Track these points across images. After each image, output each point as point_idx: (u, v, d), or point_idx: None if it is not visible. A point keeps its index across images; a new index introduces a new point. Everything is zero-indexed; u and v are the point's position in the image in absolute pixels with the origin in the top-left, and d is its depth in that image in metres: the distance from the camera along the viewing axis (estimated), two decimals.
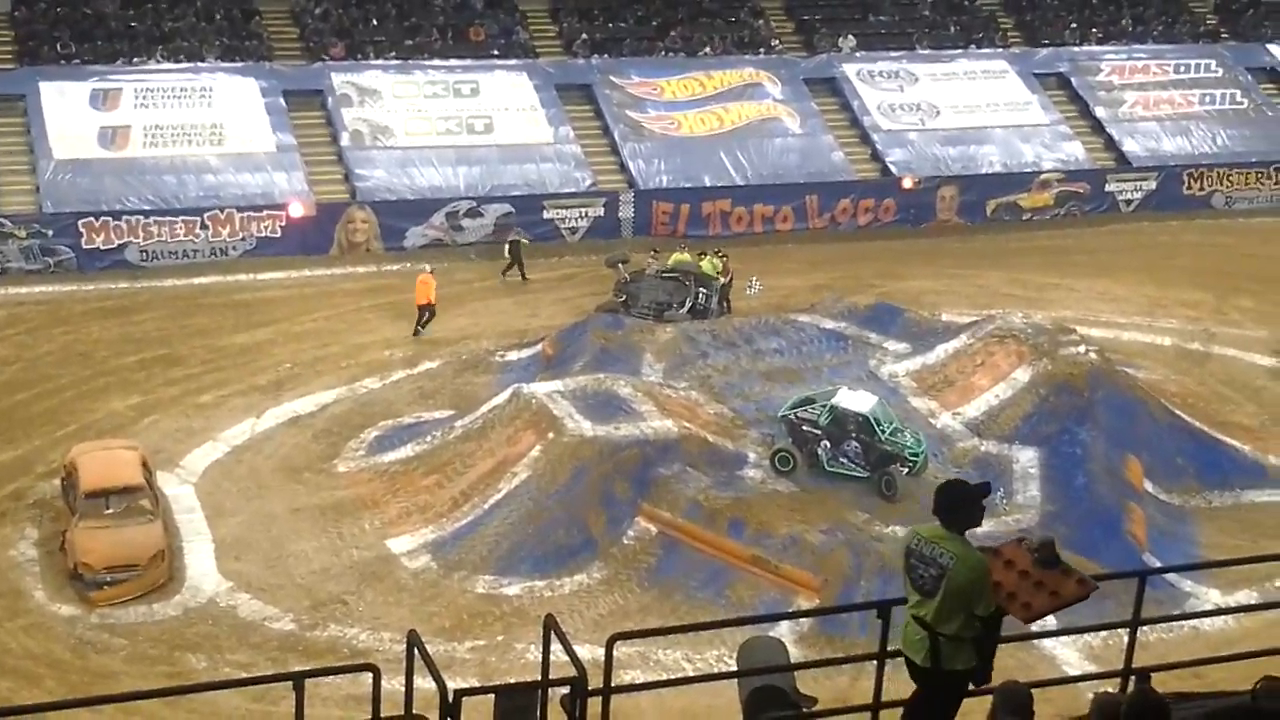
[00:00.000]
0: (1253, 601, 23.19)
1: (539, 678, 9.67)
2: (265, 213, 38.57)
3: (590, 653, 9.42)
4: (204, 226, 38.05)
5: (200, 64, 42.24)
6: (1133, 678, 10.59)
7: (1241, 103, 48.63)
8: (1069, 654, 22.06)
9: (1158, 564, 23.69)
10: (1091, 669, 19.03)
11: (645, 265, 36.18)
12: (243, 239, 38.35)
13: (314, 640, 22.96)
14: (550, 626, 9.69)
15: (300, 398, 31.02)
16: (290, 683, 9.23)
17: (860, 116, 45.53)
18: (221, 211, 38.25)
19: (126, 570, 23.93)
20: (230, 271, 37.49)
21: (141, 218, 37.69)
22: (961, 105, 46.28)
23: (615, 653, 9.42)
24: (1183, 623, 22.03)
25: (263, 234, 38.47)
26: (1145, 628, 11.13)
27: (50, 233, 37.04)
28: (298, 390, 31.34)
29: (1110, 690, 10.24)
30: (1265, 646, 11.50)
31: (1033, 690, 8.53)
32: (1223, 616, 22.57)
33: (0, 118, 39.99)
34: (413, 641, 9.83)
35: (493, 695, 9.56)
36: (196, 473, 27.91)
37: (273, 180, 39.65)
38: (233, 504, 26.92)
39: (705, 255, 36.44)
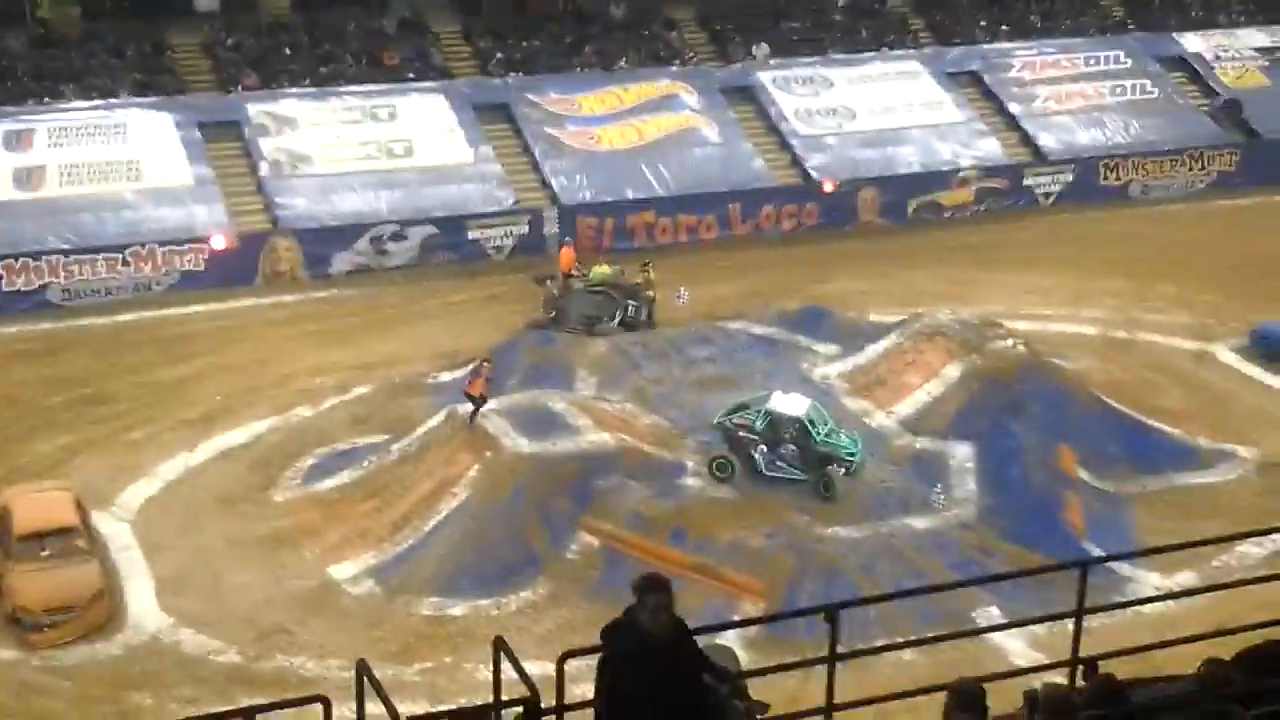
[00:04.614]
0: (1193, 583, 23.52)
1: (490, 698, 9.66)
2: (187, 246, 38.20)
3: (540, 669, 9.39)
4: (125, 263, 37.63)
5: (113, 100, 41.77)
6: (1080, 666, 10.75)
7: (1152, 92, 49.26)
8: (1015, 645, 22.25)
9: (1097, 551, 24.00)
10: (1038, 657, 19.15)
11: (570, 281, 36.21)
12: (165, 274, 37.97)
13: (260, 672, 22.81)
14: (500, 647, 9.68)
15: (232, 429, 30.77)
16: (241, 718, 9.16)
17: (778, 123, 45.73)
18: (143, 247, 37.84)
19: (66, 612, 23.68)
20: (155, 307, 37.07)
21: (62, 257, 37.22)
22: (878, 107, 46.56)
23: (566, 668, 9.42)
24: (1126, 608, 22.26)
25: (185, 268, 38.10)
26: (1087, 615, 11.26)
27: None
28: (230, 422, 31.08)
29: (1055, 682, 10.39)
30: (1206, 628, 11.68)
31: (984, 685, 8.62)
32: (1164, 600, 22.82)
33: None
34: (362, 670, 9.79)
35: None
36: (132, 510, 27.63)
37: (193, 213, 39.27)
38: (170, 539, 26.68)
39: (648, 265, 36.23)
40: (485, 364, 29.08)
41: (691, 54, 47.74)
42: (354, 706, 9.71)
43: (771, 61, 47.66)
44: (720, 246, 41.82)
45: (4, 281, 36.78)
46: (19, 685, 22.58)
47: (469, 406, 28.21)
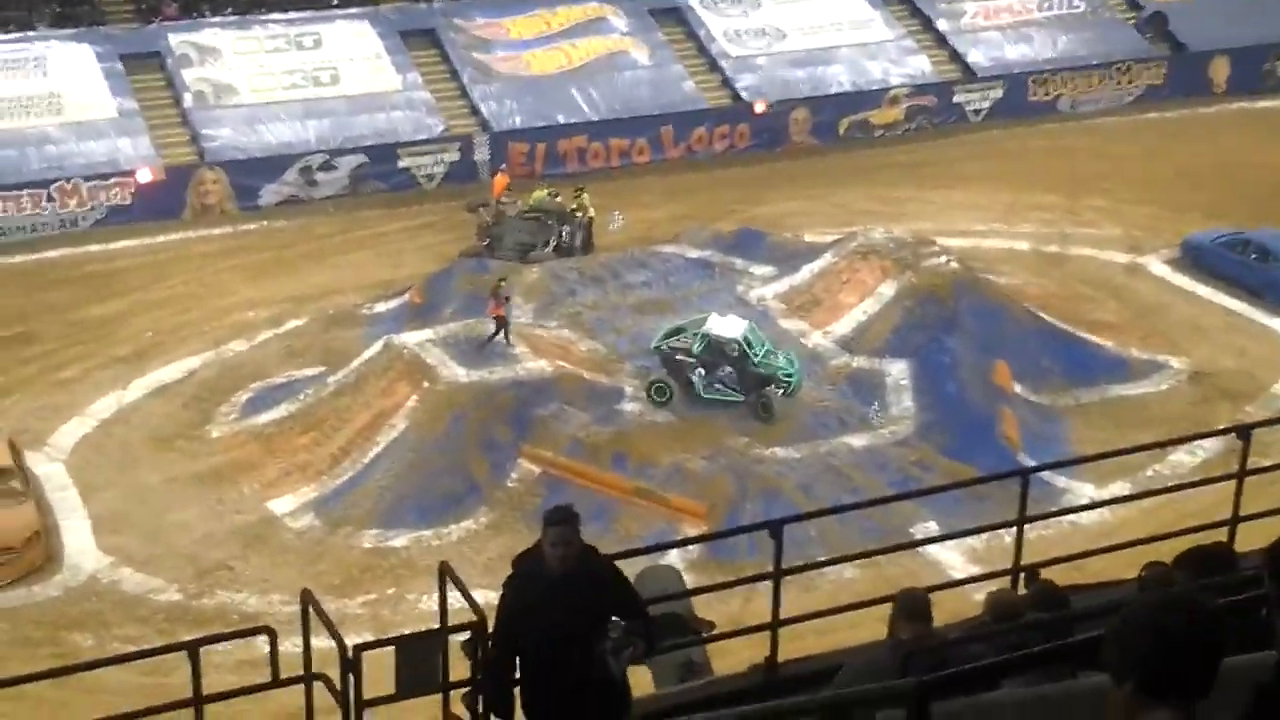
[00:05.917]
0: (1126, 492, 23.82)
1: (435, 626, 9.65)
2: (113, 180, 37.62)
3: (484, 597, 9.43)
4: (50, 199, 37.03)
5: (31, 33, 40.94)
6: (1022, 575, 10.87)
7: (1079, 6, 49.31)
8: (953, 557, 22.52)
9: (1032, 464, 24.19)
10: (975, 570, 19.39)
11: (504, 207, 36.01)
12: (91, 209, 37.39)
13: (202, 609, 22.73)
14: (446, 573, 9.67)
15: (166, 366, 30.45)
16: (184, 653, 9.10)
17: (707, 44, 45.49)
18: (68, 182, 37.21)
19: (2, 554, 23.45)
20: (81, 243, 36.51)
21: None
22: (807, 27, 46.37)
23: None
24: (1060, 518, 22.54)
25: (112, 202, 37.53)
26: (1025, 526, 11.39)
27: None
28: (162, 359, 30.76)
29: (1001, 588, 10.48)
30: (1140, 535, 11.84)
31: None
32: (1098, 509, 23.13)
33: None
34: (307, 601, 9.76)
35: (393, 647, 9.54)
36: (66, 450, 27.34)
37: (117, 147, 38.64)
38: (106, 478, 26.44)
39: (581, 190, 36.03)
40: (501, 283, 28.86)
41: None
42: (298, 640, 9.67)
43: None
44: (653, 170, 41.67)
45: None
46: None
47: (404, 336, 28.04)
